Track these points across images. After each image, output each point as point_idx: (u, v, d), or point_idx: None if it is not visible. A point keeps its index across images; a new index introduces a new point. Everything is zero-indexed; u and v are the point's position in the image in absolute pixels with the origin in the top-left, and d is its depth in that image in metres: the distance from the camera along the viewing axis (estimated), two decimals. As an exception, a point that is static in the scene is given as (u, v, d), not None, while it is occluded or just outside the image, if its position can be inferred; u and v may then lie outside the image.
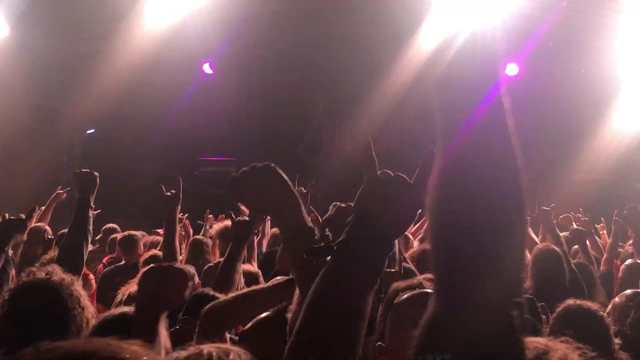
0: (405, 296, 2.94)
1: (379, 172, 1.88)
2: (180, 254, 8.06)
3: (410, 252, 7.31)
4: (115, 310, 3.11)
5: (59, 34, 12.68)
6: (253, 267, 6.05)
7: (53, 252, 5.46)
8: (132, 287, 5.56)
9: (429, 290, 2.98)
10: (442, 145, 1.52)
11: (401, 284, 3.31)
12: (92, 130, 17.22)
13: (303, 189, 5.68)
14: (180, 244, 8.55)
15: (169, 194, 5.35)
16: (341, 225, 1.85)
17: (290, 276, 3.42)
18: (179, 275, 2.71)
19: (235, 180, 2.42)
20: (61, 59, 13.62)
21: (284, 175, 2.46)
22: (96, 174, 4.94)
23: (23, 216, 4.63)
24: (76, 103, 14.45)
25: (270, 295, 3.34)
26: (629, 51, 13.40)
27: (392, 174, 1.86)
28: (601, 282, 6.89)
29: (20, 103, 13.30)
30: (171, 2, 12.67)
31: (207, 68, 16.35)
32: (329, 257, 1.81)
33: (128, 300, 4.74)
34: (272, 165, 2.51)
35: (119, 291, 5.37)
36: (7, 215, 4.67)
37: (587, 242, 7.63)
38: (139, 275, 3.76)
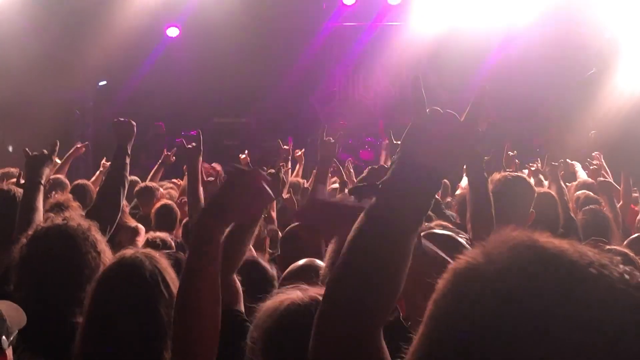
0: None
1: (427, 110, 1.77)
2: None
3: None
4: (115, 257, 3.10)
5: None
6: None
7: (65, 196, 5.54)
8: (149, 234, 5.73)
9: (439, 231, 3.01)
10: None
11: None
12: (104, 82, 17.20)
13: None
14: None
15: (189, 146, 5.43)
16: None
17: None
18: None
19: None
20: (73, 9, 13.59)
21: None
22: (134, 123, 5.00)
23: (46, 152, 4.70)
24: (88, 54, 14.43)
25: None
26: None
27: (441, 110, 1.76)
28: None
29: (33, 55, 13.29)
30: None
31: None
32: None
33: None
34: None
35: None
36: (28, 151, 4.73)
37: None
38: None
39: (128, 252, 2.94)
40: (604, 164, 9.34)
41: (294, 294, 2.31)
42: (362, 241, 1.66)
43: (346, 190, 7.22)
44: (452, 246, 2.88)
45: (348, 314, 1.60)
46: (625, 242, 5.44)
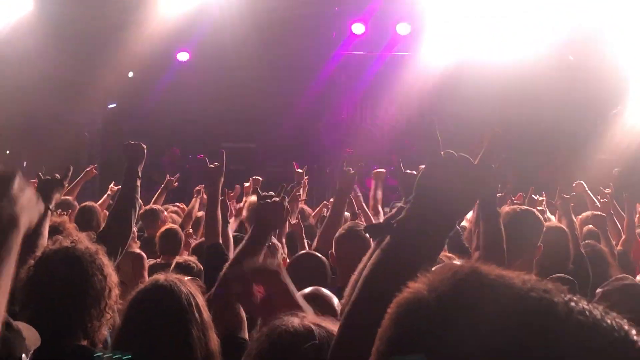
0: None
1: (442, 152, 1.83)
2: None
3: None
4: (149, 281, 3.17)
5: (81, 8, 12.73)
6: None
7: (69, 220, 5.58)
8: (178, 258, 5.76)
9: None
10: None
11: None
12: (114, 105, 17.28)
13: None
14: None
15: (212, 166, 5.37)
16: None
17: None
18: None
19: None
20: (83, 33, 13.68)
21: None
22: (144, 145, 5.03)
23: (58, 176, 4.73)
24: (98, 77, 14.52)
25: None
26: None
27: (456, 154, 1.82)
28: (620, 263, 6.98)
29: (43, 76, 13.37)
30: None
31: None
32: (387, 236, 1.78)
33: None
34: None
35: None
36: (41, 175, 4.76)
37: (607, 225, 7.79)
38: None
39: (161, 276, 3.02)
40: (614, 200, 9.33)
41: (290, 321, 2.31)
42: (376, 279, 1.70)
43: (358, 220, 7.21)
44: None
45: (359, 347, 1.57)
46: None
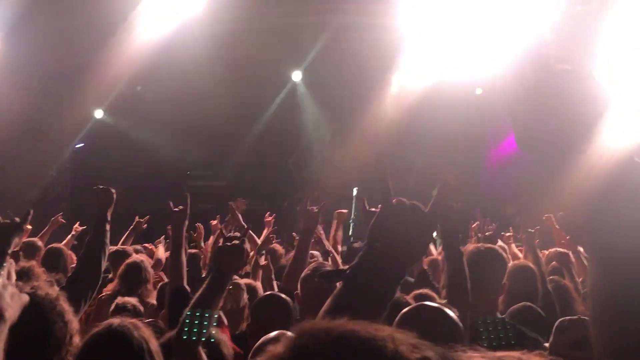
0: (405, 310, 2.99)
1: (394, 200, 1.87)
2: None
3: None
4: (102, 325, 3.13)
5: (49, 47, 12.69)
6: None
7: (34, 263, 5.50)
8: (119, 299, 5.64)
9: (430, 303, 3.05)
10: None
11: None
12: (82, 144, 17.19)
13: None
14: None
15: (176, 209, 5.32)
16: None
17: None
18: None
19: None
20: (50, 73, 13.65)
21: None
22: (113, 190, 5.06)
23: (18, 220, 4.69)
24: (66, 116, 14.46)
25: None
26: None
27: (407, 202, 1.86)
28: (584, 298, 7.00)
29: (11, 115, 13.28)
30: (163, 15, 12.64)
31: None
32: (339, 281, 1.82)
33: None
34: None
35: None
36: (0, 218, 4.71)
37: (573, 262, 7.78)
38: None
39: (116, 320, 2.98)
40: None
41: None
42: None
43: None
44: (442, 320, 2.91)
45: None
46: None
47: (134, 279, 6.55)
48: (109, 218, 4.93)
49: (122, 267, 6.68)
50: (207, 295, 3.47)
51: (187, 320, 3.33)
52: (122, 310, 5.06)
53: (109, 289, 6.02)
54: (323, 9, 13.67)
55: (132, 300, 5.54)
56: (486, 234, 7.57)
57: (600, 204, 1.60)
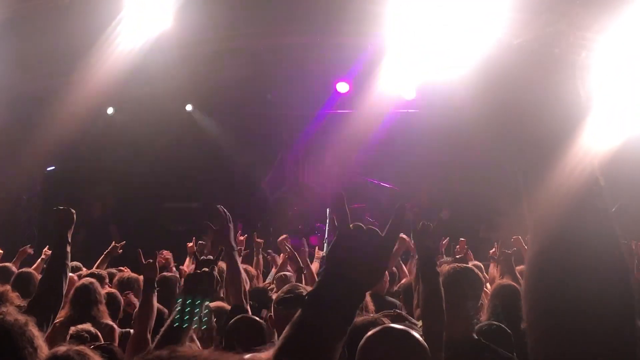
0: (370, 333, 2.97)
1: (351, 225, 1.89)
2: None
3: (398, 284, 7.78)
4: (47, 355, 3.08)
5: (19, 70, 12.61)
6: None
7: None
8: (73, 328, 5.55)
9: (395, 326, 3.04)
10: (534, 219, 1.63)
11: (357, 319, 3.35)
12: (53, 168, 17.04)
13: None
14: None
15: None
16: None
17: None
18: None
19: None
20: (21, 95, 13.54)
21: None
22: (73, 210, 4.98)
23: None
24: (37, 140, 14.32)
25: None
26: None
27: (364, 227, 1.89)
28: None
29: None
30: (131, 41, 12.60)
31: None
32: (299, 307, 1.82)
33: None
34: None
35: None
36: None
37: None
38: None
39: (61, 348, 2.92)
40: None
41: None
42: (289, 351, 1.74)
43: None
44: (407, 343, 2.89)
45: None
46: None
47: (84, 302, 6.43)
48: (69, 239, 4.86)
49: (72, 291, 6.55)
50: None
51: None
52: (78, 339, 4.97)
53: (61, 315, 5.90)
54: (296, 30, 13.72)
55: (87, 327, 5.47)
56: (457, 257, 7.66)
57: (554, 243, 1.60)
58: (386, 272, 8.22)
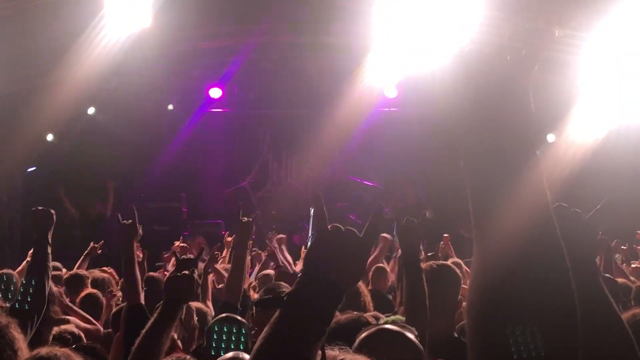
0: (364, 335, 2.97)
1: (329, 226, 1.91)
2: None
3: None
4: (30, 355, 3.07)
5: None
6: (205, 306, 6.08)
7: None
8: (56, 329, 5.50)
9: (390, 327, 3.04)
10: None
11: (341, 317, 3.35)
12: (34, 168, 16.92)
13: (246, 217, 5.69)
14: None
15: (125, 222, 5.09)
16: None
17: None
18: None
19: None
20: (0, 95, 13.44)
21: None
22: (52, 211, 4.93)
23: None
24: (17, 140, 14.22)
25: None
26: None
27: (342, 228, 1.90)
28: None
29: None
30: (114, 41, 12.53)
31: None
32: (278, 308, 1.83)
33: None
34: None
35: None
36: None
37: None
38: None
39: (44, 350, 2.91)
40: None
41: None
42: (267, 352, 1.74)
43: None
44: (402, 344, 2.89)
45: None
46: None
47: None
48: (49, 240, 4.80)
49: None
50: (157, 327, 3.46)
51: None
52: (60, 340, 4.94)
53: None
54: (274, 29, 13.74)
55: (69, 328, 5.44)
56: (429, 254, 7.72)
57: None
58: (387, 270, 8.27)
